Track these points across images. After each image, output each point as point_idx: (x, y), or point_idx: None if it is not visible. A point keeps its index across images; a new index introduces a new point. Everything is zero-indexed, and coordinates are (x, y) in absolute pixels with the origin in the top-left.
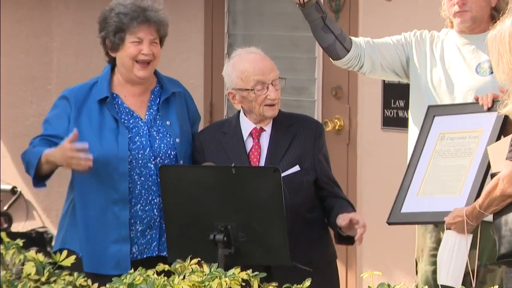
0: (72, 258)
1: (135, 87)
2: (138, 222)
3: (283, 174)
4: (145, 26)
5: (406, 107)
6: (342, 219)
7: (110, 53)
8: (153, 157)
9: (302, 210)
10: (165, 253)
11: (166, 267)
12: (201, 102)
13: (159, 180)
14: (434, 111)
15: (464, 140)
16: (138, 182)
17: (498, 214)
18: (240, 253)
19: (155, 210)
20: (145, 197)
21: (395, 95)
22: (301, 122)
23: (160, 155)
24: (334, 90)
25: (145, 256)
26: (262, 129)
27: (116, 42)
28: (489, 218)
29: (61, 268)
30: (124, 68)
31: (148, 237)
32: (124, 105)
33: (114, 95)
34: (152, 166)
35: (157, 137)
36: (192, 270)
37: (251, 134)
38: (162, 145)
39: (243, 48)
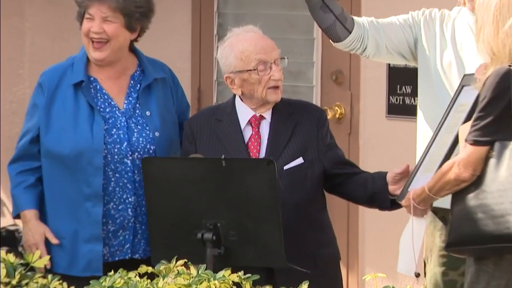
0: (46, 259)
1: (108, 69)
2: (110, 221)
3: (285, 167)
4: (95, 2)
5: (413, 93)
6: (396, 169)
7: None
8: (130, 152)
9: (306, 206)
10: (137, 255)
11: (150, 269)
12: (188, 87)
13: (135, 177)
14: (465, 80)
15: (459, 114)
16: (112, 179)
17: (452, 200)
18: (230, 254)
19: (129, 210)
20: (119, 195)
21: (401, 80)
22: (302, 109)
23: (138, 150)
24: (334, 75)
25: (117, 258)
26: (262, 117)
27: (79, 20)
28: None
29: (34, 269)
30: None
31: (121, 238)
32: (103, 90)
33: (92, 78)
34: (128, 162)
35: (135, 130)
36: (178, 272)
37: (250, 122)
38: (141, 139)
39: (239, 28)
